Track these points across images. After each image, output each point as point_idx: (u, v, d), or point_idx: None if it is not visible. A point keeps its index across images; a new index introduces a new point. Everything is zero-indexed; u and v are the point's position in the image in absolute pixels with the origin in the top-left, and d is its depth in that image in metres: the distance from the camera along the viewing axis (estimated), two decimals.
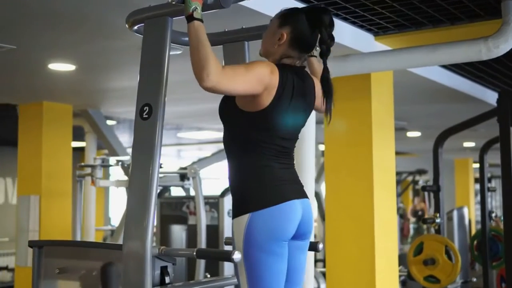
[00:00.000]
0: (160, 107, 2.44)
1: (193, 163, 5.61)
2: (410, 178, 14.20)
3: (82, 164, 5.20)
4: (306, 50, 2.39)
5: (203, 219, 5.17)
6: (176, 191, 6.92)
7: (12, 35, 3.78)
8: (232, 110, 2.31)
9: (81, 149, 8.28)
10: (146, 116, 2.47)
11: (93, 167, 4.99)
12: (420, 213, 13.17)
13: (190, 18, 2.21)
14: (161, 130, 2.45)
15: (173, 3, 2.31)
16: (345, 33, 3.97)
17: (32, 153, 6.06)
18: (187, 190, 6.07)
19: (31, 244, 2.78)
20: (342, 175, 4.54)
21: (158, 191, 6.53)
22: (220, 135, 3.45)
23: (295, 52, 2.35)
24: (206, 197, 5.57)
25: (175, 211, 6.06)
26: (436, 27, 4.07)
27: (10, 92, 5.80)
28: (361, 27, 4.07)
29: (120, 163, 5.29)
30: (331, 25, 2.33)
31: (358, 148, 4.45)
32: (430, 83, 5.28)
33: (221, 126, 2.43)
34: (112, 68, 4.74)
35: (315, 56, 2.79)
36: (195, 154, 13.18)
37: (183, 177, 5.56)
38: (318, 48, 2.83)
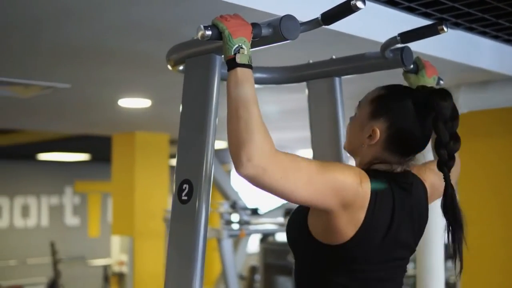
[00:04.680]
0: (205, 185, 1.73)
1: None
2: None
3: (170, 209, 4.59)
4: (412, 153, 1.60)
5: None
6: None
7: (70, 74, 3.37)
8: (304, 237, 1.57)
9: None
10: (186, 197, 1.76)
11: None
12: None
13: (231, 64, 1.44)
14: (205, 217, 1.73)
15: (206, 40, 1.50)
16: (484, 51, 2.99)
17: (126, 189, 5.60)
18: None
19: None
20: (481, 230, 3.63)
21: (261, 236, 5.81)
22: None
23: (395, 156, 1.58)
24: None
25: (279, 259, 5.26)
26: None
27: (96, 125, 5.40)
28: (508, 42, 3.02)
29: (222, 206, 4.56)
30: (455, 117, 1.54)
31: (503, 198, 3.51)
32: None
33: None
34: None
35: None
36: None
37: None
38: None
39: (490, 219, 3.67)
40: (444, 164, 1.51)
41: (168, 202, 5.70)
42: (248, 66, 1.44)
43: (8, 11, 2.26)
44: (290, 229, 1.65)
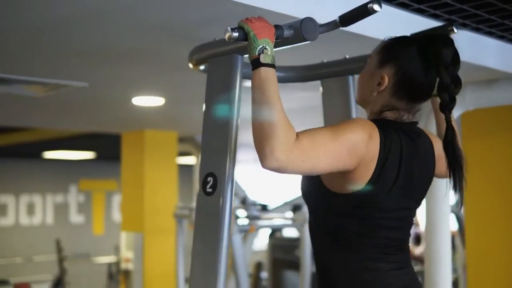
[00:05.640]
0: (228, 178, 1.81)
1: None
2: None
3: (180, 205, 4.69)
4: (418, 99, 1.69)
5: (307, 271, 4.45)
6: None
7: (86, 73, 3.47)
8: (317, 189, 1.66)
9: None
10: (210, 190, 1.85)
11: (191, 209, 4.44)
12: None
13: (255, 64, 1.53)
14: (229, 209, 1.81)
15: (232, 41, 1.59)
16: (490, 51, 3.06)
17: (135, 186, 5.67)
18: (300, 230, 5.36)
19: None
20: (487, 223, 3.70)
21: (270, 232, 5.90)
22: None
23: (402, 102, 1.66)
24: None
25: (287, 254, 5.36)
26: None
27: (107, 123, 5.47)
28: None
29: None
30: (456, 62, 1.62)
31: (505, 197, 3.57)
32: None
33: None
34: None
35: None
36: None
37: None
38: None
39: (493, 219, 3.72)
40: (446, 106, 1.60)
41: (177, 199, 5.77)
42: (272, 65, 1.53)
43: (33, 13, 2.35)
44: (303, 182, 1.73)
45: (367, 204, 1.59)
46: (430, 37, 1.66)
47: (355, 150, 1.52)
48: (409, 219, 1.71)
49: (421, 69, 1.63)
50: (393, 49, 1.67)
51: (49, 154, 9.52)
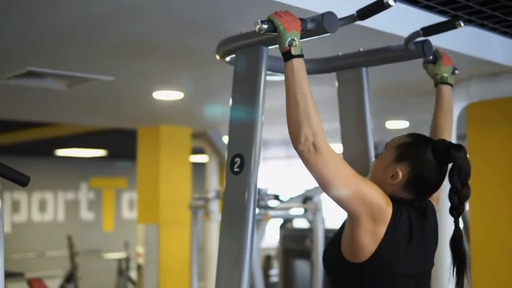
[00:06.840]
0: (254, 159, 1.99)
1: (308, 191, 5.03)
2: None
3: (196, 196, 4.85)
4: (425, 195, 1.85)
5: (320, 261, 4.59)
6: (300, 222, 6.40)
7: (113, 67, 3.57)
8: (336, 257, 1.80)
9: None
10: (237, 169, 2.02)
11: (206, 200, 4.60)
12: None
13: (287, 56, 1.70)
14: (254, 187, 1.99)
15: (262, 32, 1.76)
16: (493, 46, 3.23)
17: (150, 179, 5.84)
18: (310, 221, 5.53)
19: None
20: (491, 216, 3.79)
21: (281, 222, 6.07)
22: None
23: (410, 195, 1.81)
24: (330, 231, 4.97)
25: (297, 244, 5.54)
26: None
27: (125, 118, 5.64)
28: None
29: None
30: (467, 169, 1.75)
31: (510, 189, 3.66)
32: None
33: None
34: (224, 91, 4.34)
35: (450, 84, 2.16)
36: None
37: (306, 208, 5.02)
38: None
39: (497, 211, 3.78)
40: (455, 209, 1.72)
41: (192, 192, 5.90)
42: (301, 55, 1.70)
43: (66, 11, 2.49)
44: (326, 251, 1.88)
45: (382, 272, 1.71)
46: (445, 143, 1.79)
47: (368, 201, 1.67)
48: (426, 284, 1.83)
49: (434, 171, 1.77)
50: (410, 148, 1.80)
51: (61, 152, 9.64)
